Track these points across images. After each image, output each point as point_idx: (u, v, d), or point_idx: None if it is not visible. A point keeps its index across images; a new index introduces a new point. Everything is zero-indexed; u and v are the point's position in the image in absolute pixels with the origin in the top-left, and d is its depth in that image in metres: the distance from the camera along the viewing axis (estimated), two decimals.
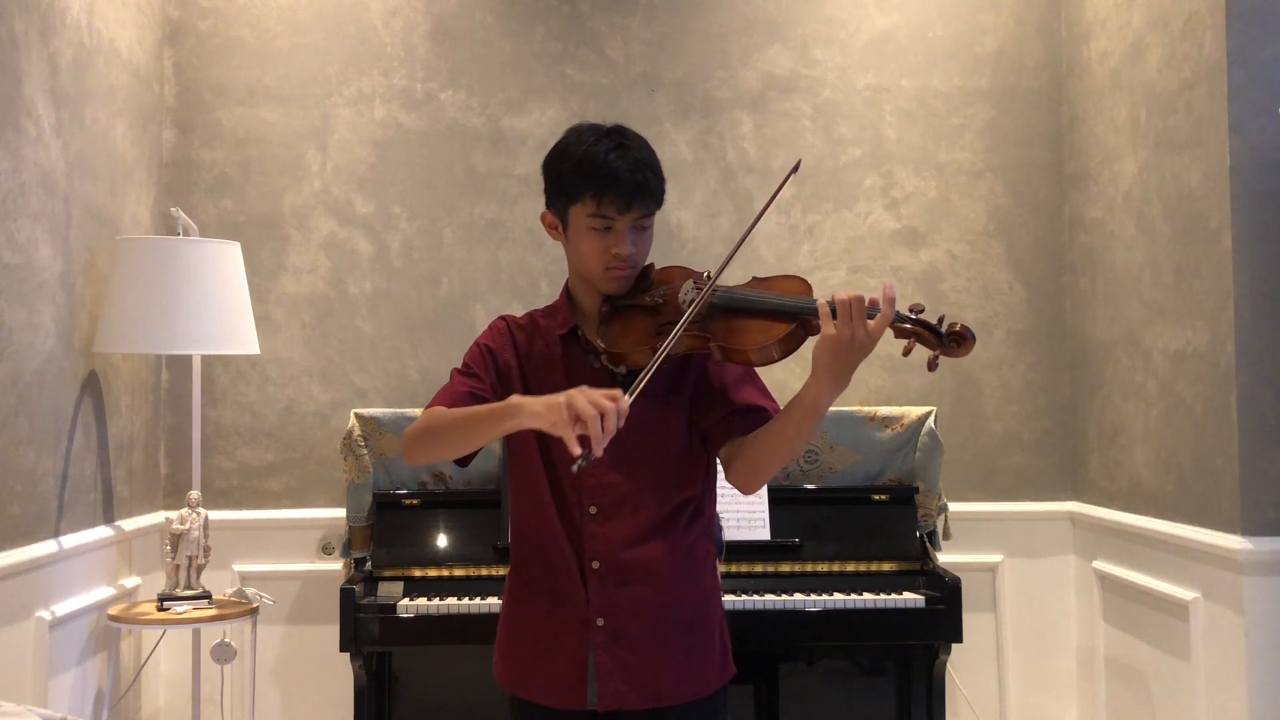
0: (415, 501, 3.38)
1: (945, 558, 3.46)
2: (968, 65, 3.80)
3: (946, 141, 3.79)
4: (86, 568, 3.11)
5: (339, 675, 3.40)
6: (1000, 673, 3.71)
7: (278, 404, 3.70)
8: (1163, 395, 3.18)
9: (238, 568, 3.61)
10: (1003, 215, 3.79)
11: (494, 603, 3.03)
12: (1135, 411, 3.34)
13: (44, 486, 2.89)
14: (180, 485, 3.58)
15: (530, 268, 3.73)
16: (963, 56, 3.80)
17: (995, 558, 3.72)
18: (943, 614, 3.15)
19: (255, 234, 3.68)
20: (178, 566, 3.15)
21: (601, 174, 1.93)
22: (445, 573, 3.26)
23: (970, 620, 3.34)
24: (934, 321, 1.81)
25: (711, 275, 1.93)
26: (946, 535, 3.50)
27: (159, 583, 3.38)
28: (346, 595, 3.10)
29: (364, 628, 3.09)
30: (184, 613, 3.08)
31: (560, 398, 1.73)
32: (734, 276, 2.01)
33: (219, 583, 3.46)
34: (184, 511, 3.18)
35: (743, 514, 3.29)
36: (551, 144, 2.04)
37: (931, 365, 1.82)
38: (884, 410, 3.52)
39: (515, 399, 1.82)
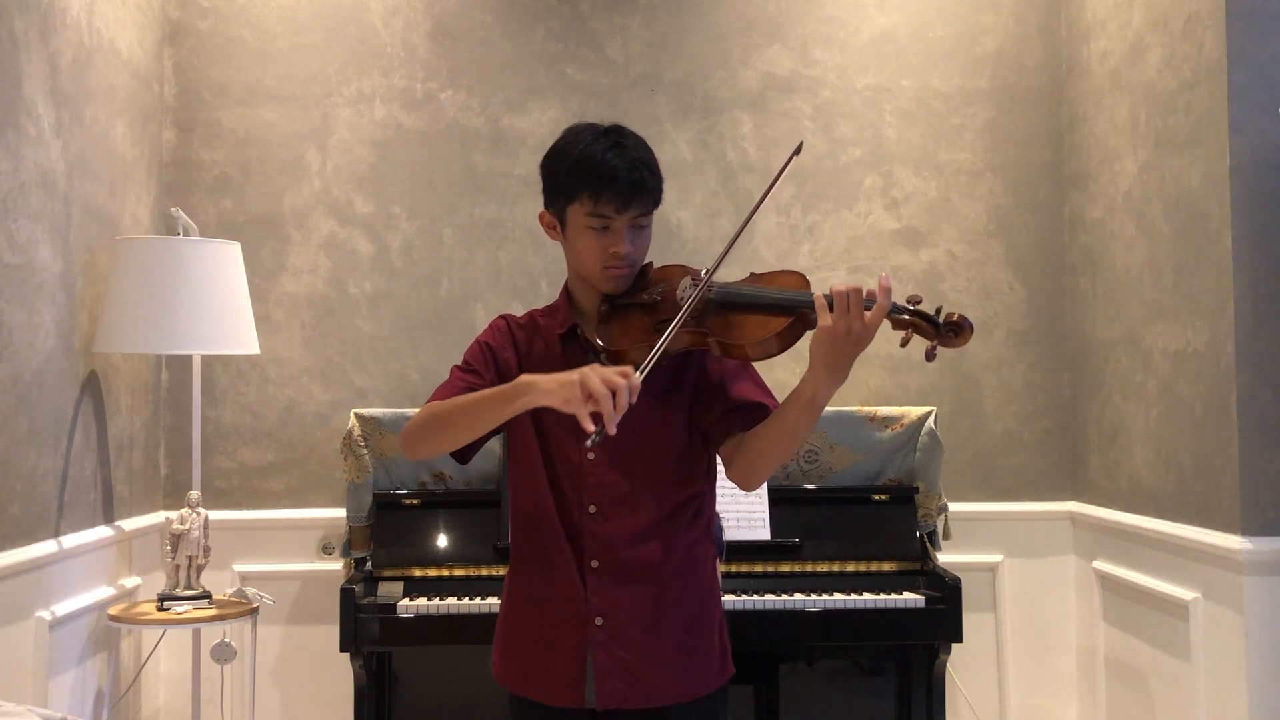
0: (415, 501, 3.38)
1: (945, 558, 3.46)
2: (968, 65, 3.80)
3: (946, 141, 3.79)
4: (86, 568, 3.11)
5: (339, 675, 3.39)
6: (1000, 673, 3.71)
7: (278, 404, 3.70)
8: (1163, 395, 3.18)
9: (238, 568, 3.61)
10: (1003, 215, 3.79)
11: (494, 603, 3.03)
12: (1135, 411, 3.33)
13: (44, 486, 2.89)
14: (180, 485, 3.58)
15: (530, 268, 3.74)
16: (963, 56, 3.80)
17: (995, 558, 3.72)
18: (943, 614, 3.15)
19: (255, 234, 3.68)
20: (178, 566, 3.15)
21: (599, 173, 1.93)
22: (445, 573, 3.26)
23: (970, 620, 3.34)
24: (931, 312, 1.81)
25: (709, 271, 1.93)
26: (946, 535, 3.50)
27: (159, 583, 3.38)
28: (346, 595, 3.10)
29: (364, 628, 3.09)
30: (184, 613, 3.08)
31: (573, 375, 1.74)
32: (733, 275, 2.01)
33: (219, 583, 3.46)
34: (184, 511, 3.18)
35: (743, 514, 3.29)
36: (551, 144, 2.04)
37: (929, 356, 1.82)
38: (884, 410, 3.52)
39: (526, 377, 1.83)
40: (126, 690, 3.37)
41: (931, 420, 3.49)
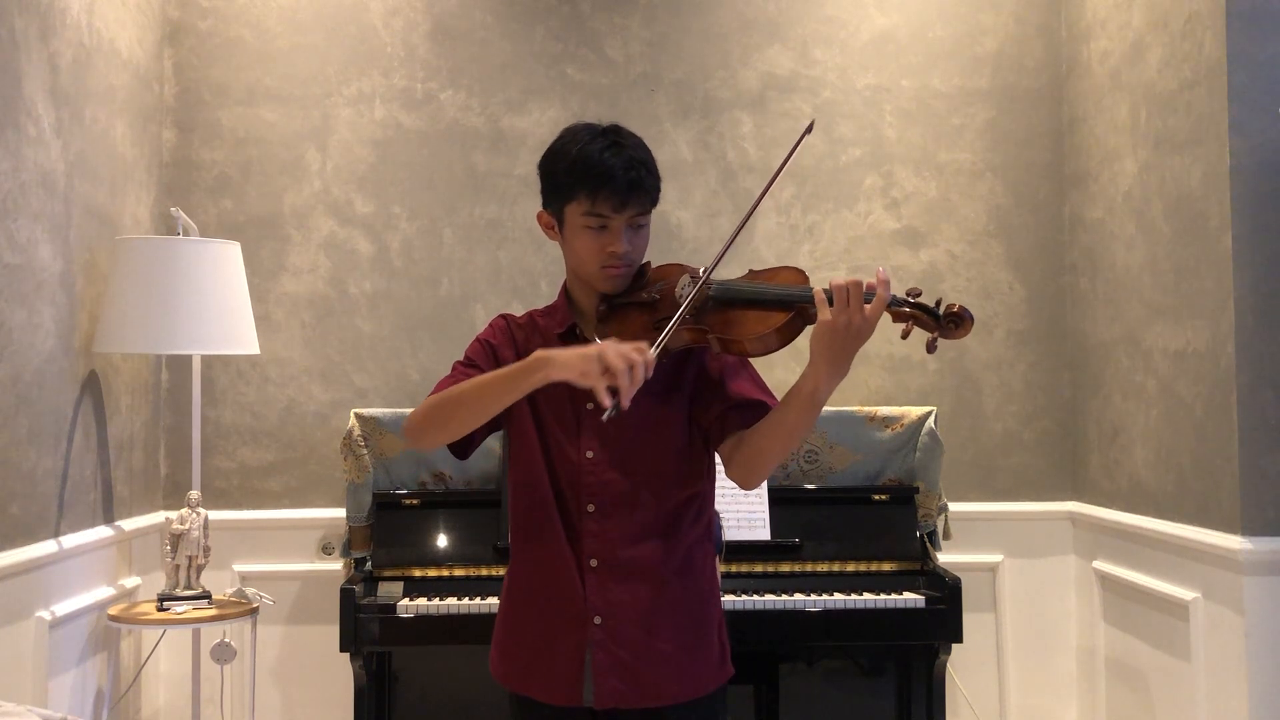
0: (415, 501, 3.38)
1: (945, 558, 3.46)
2: (968, 65, 3.80)
3: (946, 141, 3.79)
4: (86, 568, 3.11)
5: (339, 675, 3.40)
6: (1000, 673, 3.71)
7: (278, 404, 3.70)
8: (1163, 395, 3.18)
9: (238, 568, 3.61)
10: (1003, 215, 3.79)
11: (494, 603, 3.03)
12: (1135, 411, 3.33)
13: (44, 486, 2.89)
14: (180, 485, 3.58)
15: (530, 268, 3.74)
16: (963, 56, 3.80)
17: (995, 558, 3.72)
18: (943, 614, 3.15)
19: (255, 234, 3.68)
20: (178, 566, 3.15)
21: (596, 172, 1.93)
22: (445, 573, 3.26)
23: (970, 620, 3.34)
24: (931, 304, 1.81)
25: (707, 268, 1.93)
26: (946, 535, 3.50)
27: (159, 583, 3.38)
28: (346, 595, 3.10)
29: (364, 628, 3.09)
30: (184, 613, 3.08)
31: (591, 349, 1.77)
32: (732, 273, 2.01)
33: (219, 583, 3.46)
34: (184, 511, 3.18)
35: (743, 514, 3.28)
36: (549, 144, 2.04)
37: (930, 347, 1.82)
38: (884, 410, 3.52)
39: (543, 352, 1.83)
40: (126, 690, 3.37)
41: (931, 420, 3.49)
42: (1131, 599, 3.34)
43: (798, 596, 3.16)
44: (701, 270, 1.94)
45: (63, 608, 2.94)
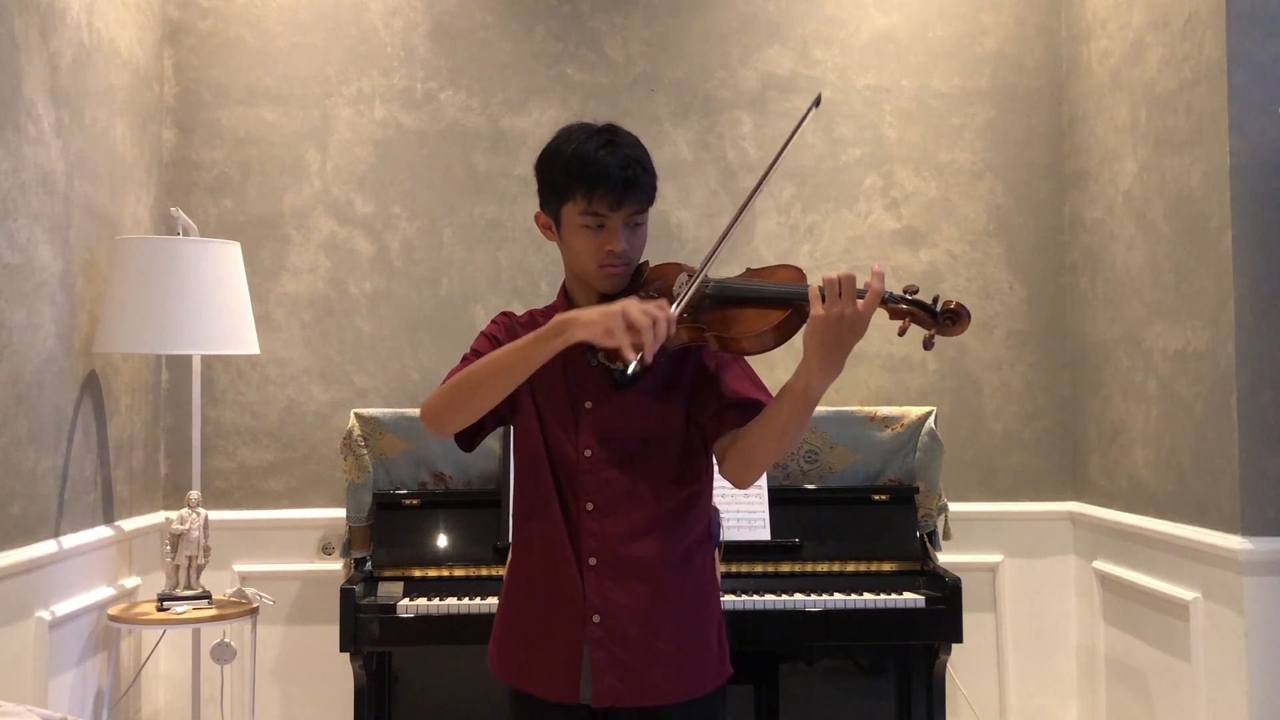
0: (415, 501, 3.38)
1: (945, 558, 3.46)
2: (968, 65, 3.80)
3: (946, 141, 3.79)
4: (86, 568, 3.11)
5: (339, 675, 3.39)
6: (1000, 673, 3.71)
7: (278, 404, 3.70)
8: (1163, 395, 3.18)
9: (238, 568, 3.61)
10: (1003, 215, 3.79)
11: (494, 603, 3.01)
12: (1135, 411, 3.33)
13: (44, 486, 2.89)
14: (180, 485, 3.58)
15: (530, 268, 3.74)
16: (963, 56, 3.80)
17: (995, 558, 3.72)
18: (943, 614, 3.15)
19: (255, 234, 3.68)
20: (178, 566, 3.15)
21: (591, 171, 1.93)
22: (445, 573, 3.26)
23: (970, 620, 3.34)
24: (928, 301, 1.81)
25: (705, 262, 1.93)
26: (946, 535, 3.50)
27: (159, 583, 3.38)
28: (346, 595, 3.10)
29: (364, 628, 3.09)
30: (184, 613, 3.08)
31: (615, 306, 1.78)
32: (730, 272, 2.01)
33: (219, 583, 3.46)
34: (184, 511, 3.18)
35: (743, 514, 3.28)
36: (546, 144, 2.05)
37: (927, 344, 1.81)
38: (884, 410, 3.52)
39: (563, 314, 1.84)
40: (126, 690, 3.37)
41: (931, 420, 3.49)
42: (1131, 599, 3.34)
43: (798, 596, 3.16)
44: (699, 266, 1.94)
45: (63, 608, 2.94)
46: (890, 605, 3.15)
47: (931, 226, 3.78)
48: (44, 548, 2.86)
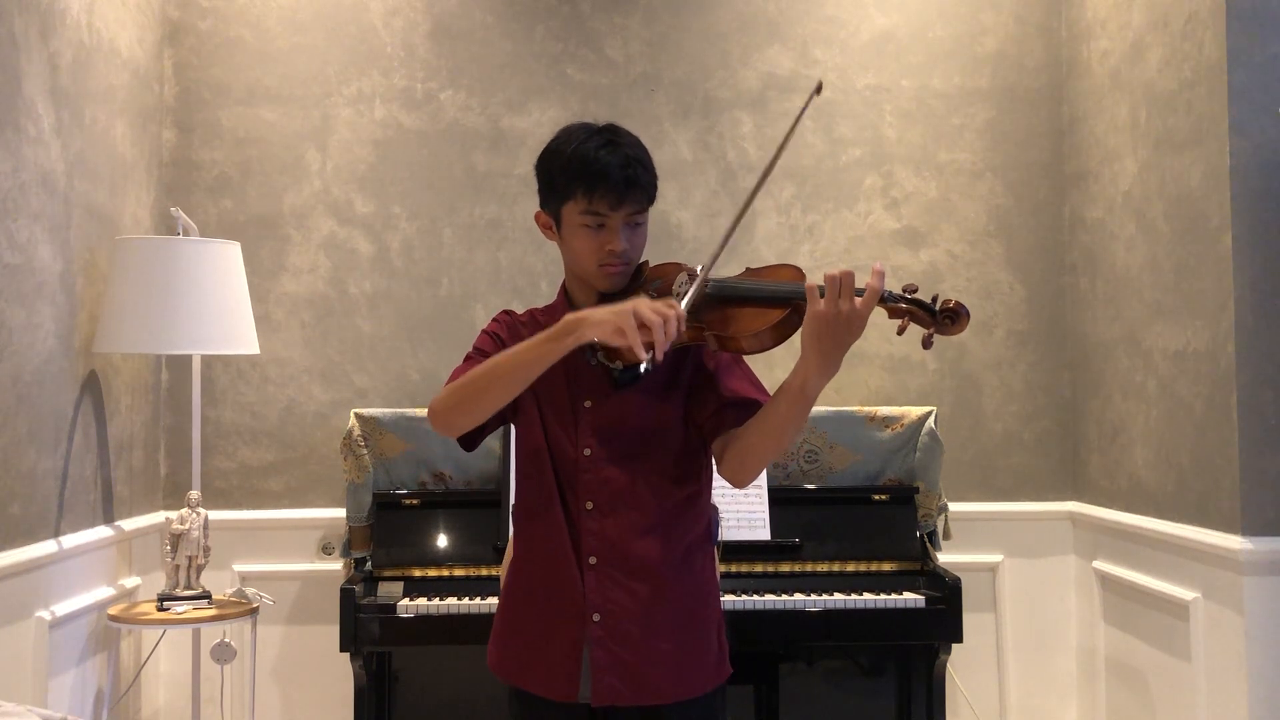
0: (415, 501, 3.38)
1: (945, 558, 3.46)
2: (968, 65, 3.80)
3: (946, 141, 3.79)
4: (86, 568, 3.11)
5: (339, 675, 3.39)
6: (1000, 673, 3.71)
7: (278, 404, 3.70)
8: (1163, 395, 3.18)
9: (238, 568, 3.61)
10: (1003, 215, 3.79)
11: (494, 603, 3.02)
12: (1135, 411, 3.33)
13: (44, 486, 2.89)
14: (180, 485, 3.58)
15: (530, 268, 3.74)
16: (963, 56, 3.80)
17: (995, 558, 3.72)
18: (943, 614, 3.15)
19: (255, 234, 3.68)
20: (178, 566, 3.15)
21: (592, 170, 1.93)
22: (445, 573, 3.26)
23: (970, 620, 3.34)
24: (927, 300, 1.81)
25: (707, 265, 1.93)
26: (946, 535, 3.50)
27: (159, 583, 3.38)
28: (346, 595, 3.10)
29: (364, 628, 3.09)
30: (184, 613, 3.08)
31: (625, 305, 1.78)
32: (730, 271, 2.01)
33: (219, 583, 3.46)
34: (184, 511, 3.18)
35: (743, 514, 3.28)
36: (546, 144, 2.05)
37: (926, 343, 1.81)
38: (884, 410, 3.52)
39: (573, 314, 1.84)
40: (126, 690, 3.37)
41: (931, 420, 3.49)
42: (1131, 599, 3.34)
43: (798, 596, 3.16)
44: (699, 268, 1.94)
45: (63, 608, 2.94)
46: (890, 605, 3.15)
47: (931, 226, 3.78)
48: (44, 548, 2.86)
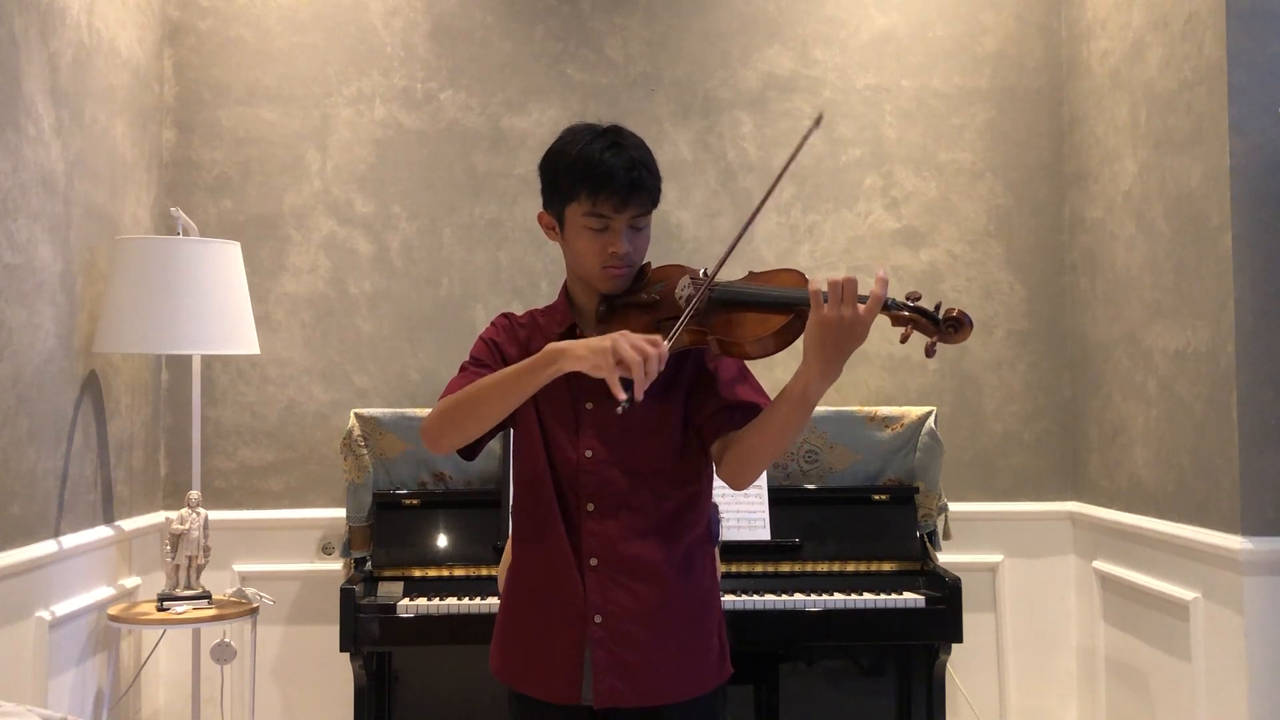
0: (415, 501, 3.38)
1: (945, 558, 3.46)
2: (968, 65, 3.80)
3: (946, 141, 3.79)
4: (86, 568, 3.11)
5: (339, 675, 3.39)
6: (1000, 673, 3.71)
7: (278, 404, 3.70)
8: (1163, 395, 3.18)
9: (238, 568, 3.61)
10: (1003, 215, 3.79)
11: (494, 603, 3.03)
12: (1135, 411, 3.33)
13: (44, 486, 2.89)
14: (180, 485, 3.58)
15: (530, 268, 3.74)
16: (963, 56, 3.80)
17: (995, 558, 3.72)
18: (943, 614, 3.15)
19: (255, 234, 3.68)
20: (178, 566, 3.15)
21: (596, 173, 1.93)
22: (445, 573, 3.26)
23: (970, 620, 3.34)
24: (930, 308, 1.80)
25: (709, 271, 1.92)
26: (946, 535, 3.50)
27: (159, 583, 3.38)
28: (346, 595, 3.10)
29: (364, 628, 3.09)
30: (184, 613, 3.08)
31: (605, 341, 1.77)
32: (732, 274, 2.01)
33: (219, 583, 3.46)
34: (184, 511, 3.18)
35: (743, 514, 3.28)
36: (550, 144, 2.04)
37: (929, 352, 1.80)
38: (884, 410, 3.52)
39: (555, 345, 1.84)
40: (126, 690, 3.37)
41: (931, 420, 3.49)
42: (1131, 599, 3.34)
43: (798, 596, 3.16)
44: (703, 272, 1.94)
45: (63, 608, 2.94)
46: (890, 605, 3.15)
47: (931, 226, 3.78)
48: (44, 548, 2.86)
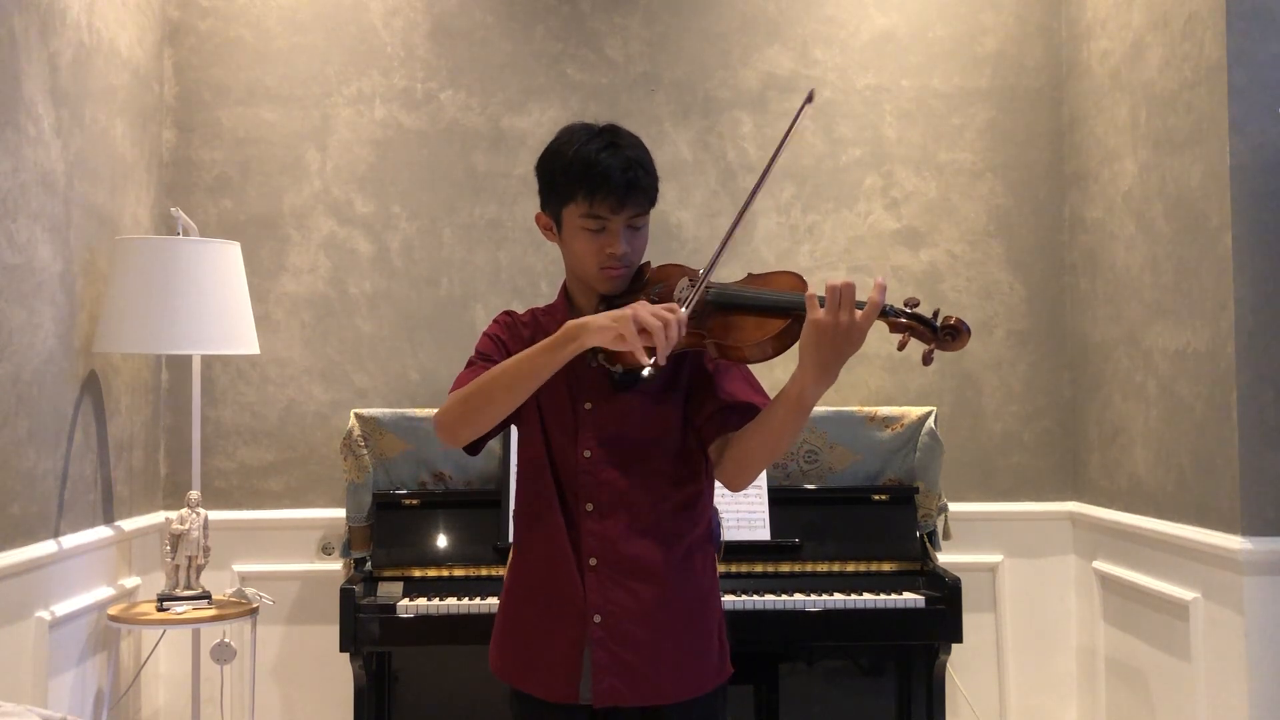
0: (415, 501, 3.38)
1: (945, 558, 3.46)
2: (968, 65, 3.80)
3: (946, 141, 3.79)
4: (86, 568, 3.11)
5: (339, 675, 3.39)
6: (1000, 673, 3.71)
7: (278, 404, 3.70)
8: (1163, 395, 3.18)
9: (238, 568, 3.61)
10: (1003, 215, 3.79)
11: (494, 603, 3.02)
12: (1135, 411, 3.33)
13: (44, 486, 2.89)
14: (180, 485, 3.58)
15: (530, 268, 3.74)
16: (963, 56, 3.80)
17: (995, 558, 3.72)
18: (943, 614, 3.15)
19: (255, 234, 3.69)
20: (177, 566, 3.15)
21: (593, 173, 1.92)
22: (445, 573, 3.26)
23: (970, 620, 3.34)
24: (928, 315, 1.80)
25: (703, 271, 1.92)
26: (946, 535, 3.50)
27: (159, 583, 3.38)
28: (346, 595, 3.10)
29: (364, 628, 3.09)
30: (184, 613, 3.08)
31: (626, 311, 1.79)
32: (731, 275, 2.00)
33: (219, 583, 3.46)
34: (184, 511, 3.18)
35: (743, 514, 3.28)
36: (547, 145, 2.04)
37: (926, 359, 1.80)
38: (884, 410, 3.52)
39: (574, 321, 1.84)
40: (126, 690, 3.37)
41: (931, 420, 3.49)
42: (1131, 599, 3.34)
43: (798, 596, 3.16)
44: (701, 272, 1.93)
45: (63, 608, 2.94)
46: (890, 605, 3.15)
47: (931, 226, 3.78)
48: (44, 548, 2.86)
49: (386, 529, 3.34)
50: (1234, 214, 2.82)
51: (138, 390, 3.50)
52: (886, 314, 1.78)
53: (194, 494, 3.22)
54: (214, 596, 3.19)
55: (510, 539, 3.06)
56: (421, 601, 3.13)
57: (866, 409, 3.53)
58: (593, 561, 1.97)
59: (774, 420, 1.87)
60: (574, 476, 1.99)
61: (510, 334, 2.07)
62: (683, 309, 1.80)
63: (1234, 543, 2.80)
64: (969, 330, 1.78)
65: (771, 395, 1.96)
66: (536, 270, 3.73)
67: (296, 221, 3.72)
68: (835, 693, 3.50)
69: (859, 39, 3.79)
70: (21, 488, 2.78)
